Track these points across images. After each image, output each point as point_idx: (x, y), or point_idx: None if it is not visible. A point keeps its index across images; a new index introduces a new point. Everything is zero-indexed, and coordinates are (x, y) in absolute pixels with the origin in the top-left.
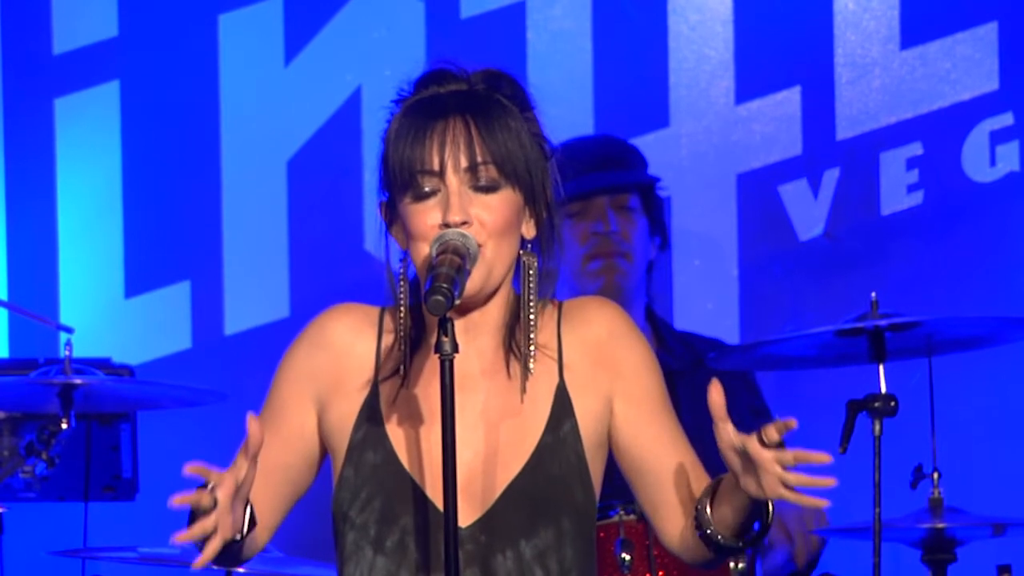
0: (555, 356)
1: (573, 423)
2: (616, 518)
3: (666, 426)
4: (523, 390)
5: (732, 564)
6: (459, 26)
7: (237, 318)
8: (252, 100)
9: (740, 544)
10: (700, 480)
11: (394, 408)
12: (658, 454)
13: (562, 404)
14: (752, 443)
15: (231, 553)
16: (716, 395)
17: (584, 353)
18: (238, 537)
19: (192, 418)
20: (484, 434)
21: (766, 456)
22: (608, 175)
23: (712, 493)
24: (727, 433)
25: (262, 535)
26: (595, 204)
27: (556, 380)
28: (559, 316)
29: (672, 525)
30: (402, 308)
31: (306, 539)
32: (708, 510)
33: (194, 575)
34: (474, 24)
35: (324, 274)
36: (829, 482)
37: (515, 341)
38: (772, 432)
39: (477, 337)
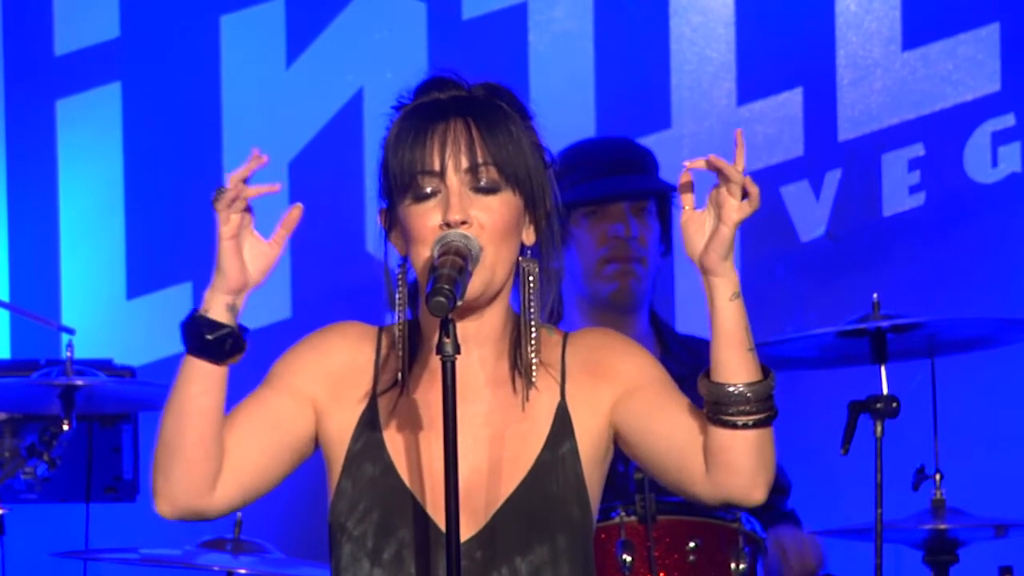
0: (558, 377)
1: (572, 443)
2: (617, 520)
3: (677, 402)
4: (526, 399)
5: (733, 564)
6: (461, 28)
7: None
8: (253, 102)
9: (754, 387)
10: None
11: (393, 419)
12: (674, 425)
13: (562, 423)
14: (713, 194)
15: (216, 340)
16: (686, 175)
17: (586, 374)
18: (233, 326)
19: None
20: (483, 448)
21: (716, 190)
22: (631, 179)
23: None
24: (687, 212)
25: (230, 488)
26: (614, 206)
27: (558, 399)
28: (564, 343)
29: (699, 466)
30: (399, 311)
31: (306, 540)
32: (709, 380)
33: (196, 575)
34: (476, 26)
35: (326, 275)
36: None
37: (519, 355)
38: (724, 164)
39: (478, 346)
